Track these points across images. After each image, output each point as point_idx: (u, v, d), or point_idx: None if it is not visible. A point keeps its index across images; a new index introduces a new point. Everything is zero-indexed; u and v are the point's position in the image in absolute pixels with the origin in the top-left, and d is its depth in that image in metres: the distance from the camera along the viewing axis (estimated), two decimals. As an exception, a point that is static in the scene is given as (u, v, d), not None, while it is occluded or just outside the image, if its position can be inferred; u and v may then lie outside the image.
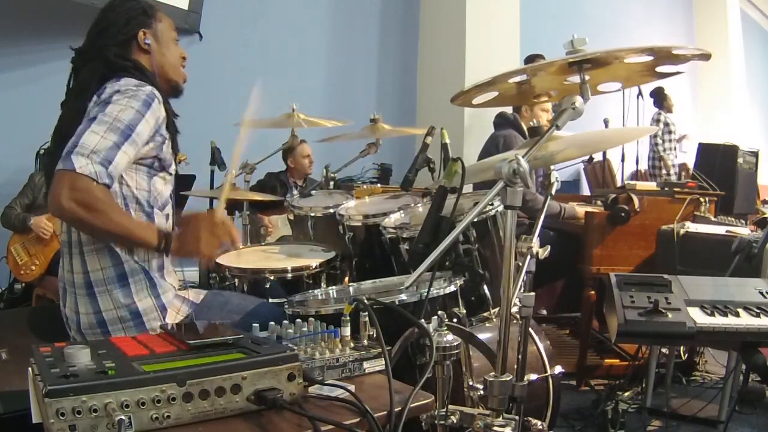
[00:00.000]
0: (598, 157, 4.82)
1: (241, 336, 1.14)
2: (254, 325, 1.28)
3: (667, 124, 6.82)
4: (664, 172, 6.66)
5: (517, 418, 1.20)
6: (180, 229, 1.55)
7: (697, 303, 1.63)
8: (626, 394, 2.73)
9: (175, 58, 1.74)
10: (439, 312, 1.32)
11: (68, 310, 1.61)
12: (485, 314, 1.83)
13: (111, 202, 1.45)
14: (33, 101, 3.92)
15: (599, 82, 1.42)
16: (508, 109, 3.73)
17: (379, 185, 4.04)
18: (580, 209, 3.31)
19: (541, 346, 1.80)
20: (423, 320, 1.36)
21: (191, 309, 1.66)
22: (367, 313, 1.28)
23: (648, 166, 6.86)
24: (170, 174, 1.68)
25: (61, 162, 1.40)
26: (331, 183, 2.88)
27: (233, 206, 3.38)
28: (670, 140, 6.85)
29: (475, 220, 1.76)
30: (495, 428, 1.16)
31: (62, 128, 1.59)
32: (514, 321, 1.56)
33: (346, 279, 2.20)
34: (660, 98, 6.83)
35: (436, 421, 1.22)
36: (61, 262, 1.65)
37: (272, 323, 1.31)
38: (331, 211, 2.30)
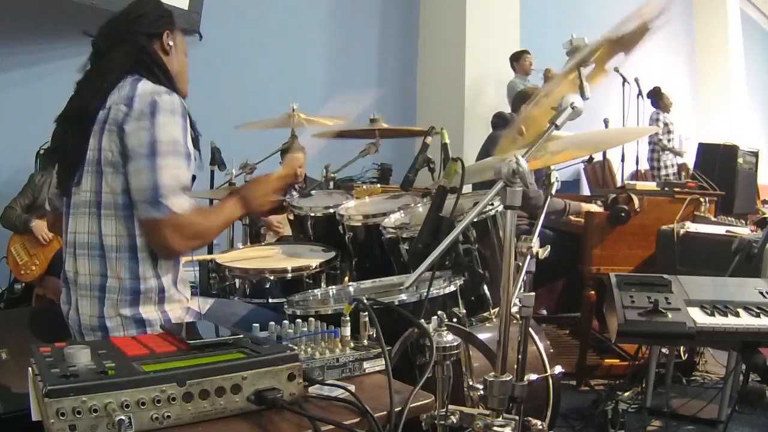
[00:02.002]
0: (598, 157, 4.82)
1: (241, 336, 1.14)
2: (254, 325, 1.28)
3: (666, 124, 6.82)
4: (670, 172, 6.64)
5: (517, 418, 1.20)
6: (249, 190, 1.75)
7: (697, 303, 1.63)
8: (626, 394, 2.73)
9: (186, 69, 1.75)
10: (439, 312, 1.32)
11: (72, 310, 1.61)
12: (485, 314, 1.82)
13: (205, 218, 1.60)
14: (33, 101, 3.92)
15: (606, 62, 1.40)
16: (507, 109, 3.73)
17: (379, 185, 4.04)
18: (586, 205, 3.31)
19: (541, 346, 1.80)
20: (423, 320, 1.36)
21: (195, 319, 1.65)
22: (367, 313, 1.28)
23: (649, 167, 6.86)
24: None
25: (153, 209, 1.48)
26: (331, 183, 2.88)
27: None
28: (669, 140, 6.85)
29: (475, 220, 1.76)
30: (495, 428, 1.16)
31: (82, 106, 1.56)
32: (514, 321, 1.56)
33: (346, 279, 2.20)
34: (657, 98, 6.83)
35: (436, 421, 1.22)
36: (68, 263, 1.62)
37: (272, 323, 1.31)
38: (331, 211, 2.30)
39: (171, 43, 1.67)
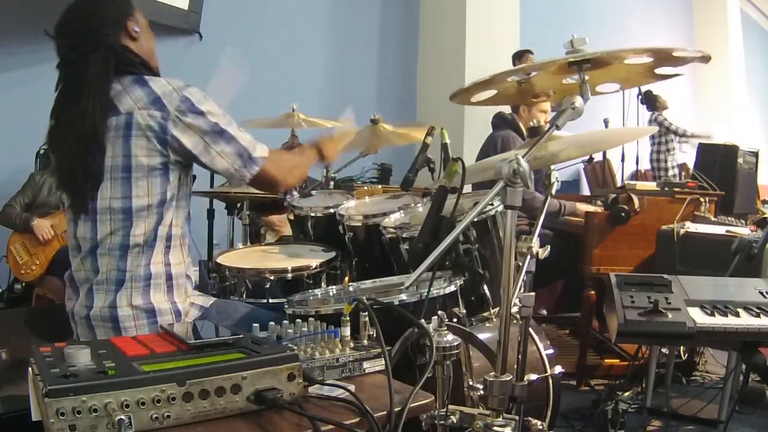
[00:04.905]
0: (598, 157, 4.82)
1: (241, 336, 1.14)
2: (254, 325, 1.28)
3: (670, 125, 6.81)
4: (672, 174, 6.63)
5: (517, 418, 1.20)
6: (325, 146, 1.97)
7: (697, 303, 1.63)
8: (626, 394, 2.73)
9: (154, 42, 1.74)
10: (439, 312, 1.32)
11: (78, 304, 1.61)
12: (485, 314, 1.82)
13: (290, 154, 1.82)
14: (33, 101, 3.90)
15: (598, 83, 1.42)
16: (506, 110, 3.73)
17: (379, 186, 4.04)
18: (581, 206, 3.30)
19: (541, 346, 1.80)
20: (423, 320, 1.36)
21: (200, 312, 1.67)
22: (367, 313, 1.28)
23: (652, 168, 6.85)
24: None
25: (253, 166, 1.64)
26: (331, 183, 2.88)
27: (230, 206, 3.38)
28: (672, 140, 6.84)
29: (475, 220, 1.76)
30: (495, 428, 1.16)
31: (81, 125, 1.53)
32: (514, 321, 1.56)
33: (346, 279, 2.20)
34: (651, 101, 6.80)
35: (436, 421, 1.22)
36: (81, 264, 1.62)
37: (272, 323, 1.31)
38: (331, 211, 2.30)
39: (137, 29, 1.65)
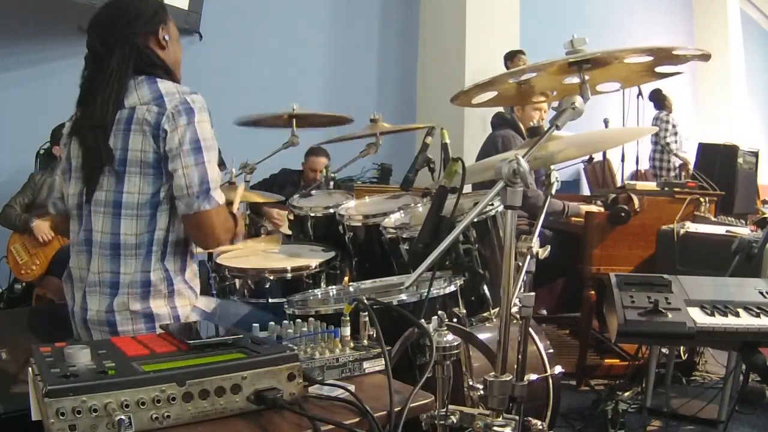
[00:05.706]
0: (598, 157, 4.82)
1: (241, 336, 1.14)
2: (254, 325, 1.28)
3: (674, 126, 6.81)
4: (673, 174, 6.63)
5: (517, 418, 1.20)
6: None
7: (697, 303, 1.63)
8: (626, 394, 2.73)
9: (180, 56, 1.76)
10: (439, 312, 1.32)
11: (76, 306, 1.61)
12: (485, 314, 1.82)
13: (230, 218, 1.67)
14: (33, 101, 3.92)
15: (598, 82, 1.42)
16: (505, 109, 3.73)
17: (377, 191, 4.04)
18: (585, 207, 3.30)
19: (541, 346, 1.80)
20: (423, 320, 1.36)
21: (200, 317, 1.66)
22: (367, 313, 1.28)
23: (652, 167, 6.85)
24: None
25: (205, 202, 1.54)
26: (331, 183, 2.88)
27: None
28: (676, 141, 6.84)
29: (475, 220, 1.76)
30: (495, 428, 1.16)
31: (96, 114, 1.55)
32: (514, 321, 1.56)
33: (346, 279, 2.19)
34: (660, 100, 6.81)
35: (436, 421, 1.22)
36: (77, 260, 1.63)
37: (272, 323, 1.31)
38: (331, 211, 2.30)
39: (167, 38, 1.67)
